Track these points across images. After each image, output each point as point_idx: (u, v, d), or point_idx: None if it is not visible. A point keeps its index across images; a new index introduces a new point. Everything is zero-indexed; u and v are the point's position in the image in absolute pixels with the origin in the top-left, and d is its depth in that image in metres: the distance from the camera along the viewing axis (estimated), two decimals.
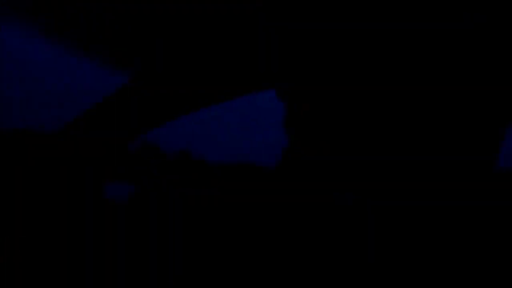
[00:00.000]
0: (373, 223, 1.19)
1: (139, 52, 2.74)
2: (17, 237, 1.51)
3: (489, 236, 1.15)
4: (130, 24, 2.67)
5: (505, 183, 1.22)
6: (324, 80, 1.27)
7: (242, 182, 1.69)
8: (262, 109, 3.16)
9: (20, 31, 2.70)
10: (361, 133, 1.23)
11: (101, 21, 2.71)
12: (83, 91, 2.66)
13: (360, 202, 1.21)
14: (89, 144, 1.64)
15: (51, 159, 1.64)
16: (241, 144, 3.25)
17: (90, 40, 2.70)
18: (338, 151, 1.26)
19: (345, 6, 1.23)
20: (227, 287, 1.40)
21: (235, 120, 3.27)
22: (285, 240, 1.30)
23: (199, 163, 1.85)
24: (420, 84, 1.18)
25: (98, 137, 1.64)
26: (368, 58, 1.21)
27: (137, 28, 2.66)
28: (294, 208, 1.31)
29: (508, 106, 1.22)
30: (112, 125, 1.66)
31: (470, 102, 1.19)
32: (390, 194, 1.20)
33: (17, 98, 2.65)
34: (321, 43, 1.29)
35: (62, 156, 1.63)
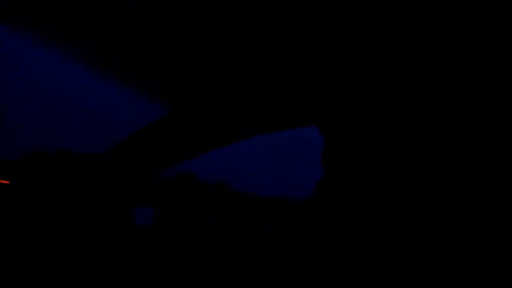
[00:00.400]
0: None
1: (176, 85, 2.79)
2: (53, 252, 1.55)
3: (481, 237, 1.11)
4: (169, 56, 2.74)
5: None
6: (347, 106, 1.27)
7: (272, 213, 1.67)
8: (295, 144, 3.13)
9: (58, 56, 2.81)
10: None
11: (141, 53, 2.79)
12: (119, 119, 2.72)
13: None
14: (121, 169, 1.66)
15: (82, 179, 1.68)
16: (275, 177, 3.23)
17: (130, 69, 2.78)
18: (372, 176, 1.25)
19: (347, 9, 1.22)
20: None
21: (269, 154, 3.27)
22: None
23: (236, 193, 1.88)
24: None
25: (131, 163, 1.66)
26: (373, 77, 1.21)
27: (174, 58, 2.72)
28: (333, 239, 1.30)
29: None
30: (148, 153, 1.68)
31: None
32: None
33: (53, 120, 2.73)
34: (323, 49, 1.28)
35: (94, 177, 1.66)
